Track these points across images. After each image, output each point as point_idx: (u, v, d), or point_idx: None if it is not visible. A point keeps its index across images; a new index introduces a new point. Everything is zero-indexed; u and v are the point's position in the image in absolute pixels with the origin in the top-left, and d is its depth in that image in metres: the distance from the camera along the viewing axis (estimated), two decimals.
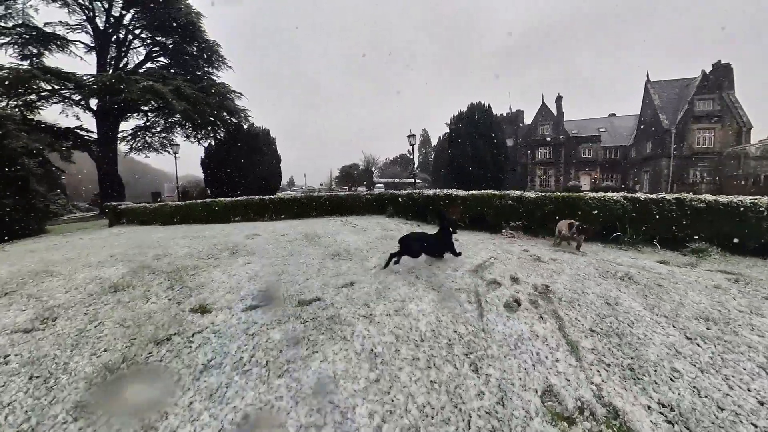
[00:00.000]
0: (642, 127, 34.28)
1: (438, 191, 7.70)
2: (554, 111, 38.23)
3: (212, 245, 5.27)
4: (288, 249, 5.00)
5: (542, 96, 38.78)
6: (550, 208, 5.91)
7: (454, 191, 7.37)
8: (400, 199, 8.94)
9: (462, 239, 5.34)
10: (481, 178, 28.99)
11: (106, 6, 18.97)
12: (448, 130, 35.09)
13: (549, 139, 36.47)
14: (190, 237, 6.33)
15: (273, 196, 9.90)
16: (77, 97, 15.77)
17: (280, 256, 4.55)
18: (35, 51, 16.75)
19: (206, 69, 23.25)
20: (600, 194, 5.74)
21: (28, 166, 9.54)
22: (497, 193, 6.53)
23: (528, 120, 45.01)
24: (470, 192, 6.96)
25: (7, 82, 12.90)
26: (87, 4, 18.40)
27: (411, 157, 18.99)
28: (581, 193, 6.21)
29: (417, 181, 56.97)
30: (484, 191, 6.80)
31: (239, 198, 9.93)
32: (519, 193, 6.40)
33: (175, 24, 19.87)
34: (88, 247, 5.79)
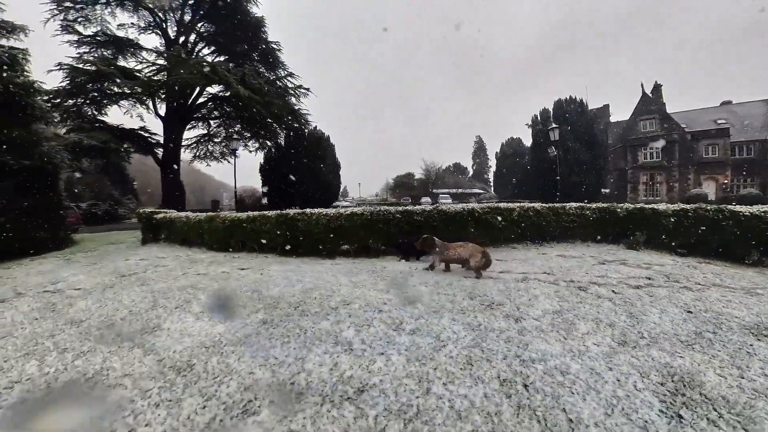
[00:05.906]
0: None
1: None
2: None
3: None
4: None
5: (642, 85, 32.24)
6: None
7: None
8: (674, 218, 4.84)
9: None
10: (578, 186, 23.67)
11: (178, 16, 19.22)
12: (508, 136, 30.21)
13: (662, 136, 29.26)
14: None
15: (430, 208, 6.00)
16: (138, 91, 14.80)
17: None
18: (110, 57, 16.56)
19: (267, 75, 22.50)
20: None
21: (55, 159, 7.46)
22: None
23: (616, 116, 38.19)
24: None
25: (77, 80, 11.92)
26: (160, 14, 18.68)
27: (550, 137, 14.77)
28: None
29: (480, 191, 52.09)
30: None
31: (357, 210, 5.79)
32: None
33: (240, 32, 19.47)
34: None
